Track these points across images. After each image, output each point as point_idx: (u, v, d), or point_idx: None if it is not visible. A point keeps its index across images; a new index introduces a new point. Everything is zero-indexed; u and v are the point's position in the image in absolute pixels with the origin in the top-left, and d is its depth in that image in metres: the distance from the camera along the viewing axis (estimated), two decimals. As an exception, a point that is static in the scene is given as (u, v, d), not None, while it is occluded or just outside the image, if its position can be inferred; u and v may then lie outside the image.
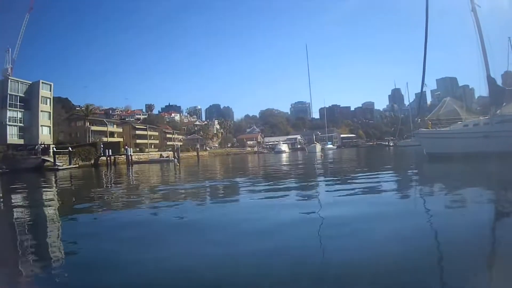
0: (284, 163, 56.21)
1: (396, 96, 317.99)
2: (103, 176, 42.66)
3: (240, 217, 12.65)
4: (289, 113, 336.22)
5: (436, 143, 39.53)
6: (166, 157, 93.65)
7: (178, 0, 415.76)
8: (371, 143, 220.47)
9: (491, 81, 37.45)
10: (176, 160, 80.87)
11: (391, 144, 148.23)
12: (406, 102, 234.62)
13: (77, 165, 69.75)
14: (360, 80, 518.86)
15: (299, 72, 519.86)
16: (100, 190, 25.99)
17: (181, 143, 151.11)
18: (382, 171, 28.46)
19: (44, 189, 30.09)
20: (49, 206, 19.09)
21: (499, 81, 39.79)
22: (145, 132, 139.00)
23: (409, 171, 29.99)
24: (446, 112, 42.92)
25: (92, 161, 75.60)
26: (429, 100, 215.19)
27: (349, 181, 21.51)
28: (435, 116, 43.99)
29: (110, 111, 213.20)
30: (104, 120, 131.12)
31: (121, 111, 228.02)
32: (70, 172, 55.27)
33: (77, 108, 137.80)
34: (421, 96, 47.39)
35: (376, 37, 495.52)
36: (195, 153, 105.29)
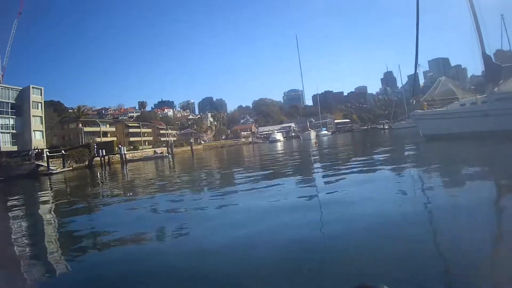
0: (279, 153, 56.70)
1: (388, 79, 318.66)
2: (91, 181, 41.03)
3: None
4: (282, 101, 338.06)
5: (433, 124, 39.22)
6: (160, 153, 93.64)
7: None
8: (366, 127, 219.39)
9: (486, 58, 36.78)
10: (170, 155, 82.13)
11: (386, 127, 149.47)
12: (399, 85, 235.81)
13: (71, 168, 68.88)
14: (352, 65, 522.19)
15: (291, 61, 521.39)
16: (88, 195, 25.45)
17: (175, 138, 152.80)
18: (380, 164, 25.10)
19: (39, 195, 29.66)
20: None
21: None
22: (138, 130, 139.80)
23: (409, 158, 27.87)
24: (442, 92, 42.32)
25: (86, 163, 74.64)
26: (422, 81, 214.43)
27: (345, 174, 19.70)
28: (430, 97, 43.38)
29: (103, 111, 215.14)
30: (97, 120, 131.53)
31: (114, 110, 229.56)
32: (65, 175, 54.63)
33: (69, 111, 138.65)
34: (415, 77, 46.63)
35: (366, 21, 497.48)
36: (189, 148, 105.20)
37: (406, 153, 32.07)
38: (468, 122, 35.00)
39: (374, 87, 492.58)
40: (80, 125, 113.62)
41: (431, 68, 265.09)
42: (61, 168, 65.57)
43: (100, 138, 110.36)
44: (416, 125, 43.63)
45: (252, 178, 22.63)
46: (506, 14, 64.04)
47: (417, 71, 44.24)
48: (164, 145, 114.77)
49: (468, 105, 38.13)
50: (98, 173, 51.32)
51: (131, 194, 23.11)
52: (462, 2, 37.48)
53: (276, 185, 18.05)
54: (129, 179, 37.02)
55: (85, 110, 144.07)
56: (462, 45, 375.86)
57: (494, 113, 33.65)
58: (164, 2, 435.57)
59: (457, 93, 41.53)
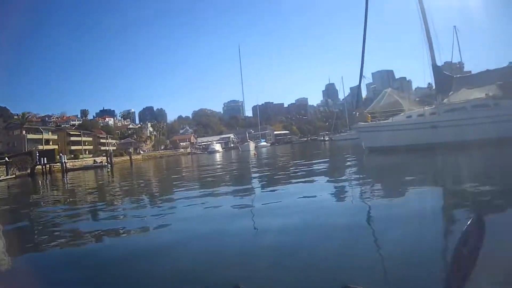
0: (217, 164, 57.38)
1: (330, 91, 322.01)
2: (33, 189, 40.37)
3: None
4: (222, 112, 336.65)
5: (377, 136, 38.79)
6: (99, 162, 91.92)
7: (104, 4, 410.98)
8: (305, 139, 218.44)
9: (437, 69, 37.17)
10: (109, 165, 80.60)
11: (327, 139, 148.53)
12: (341, 97, 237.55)
13: (14, 176, 67.35)
14: (293, 76, 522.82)
15: (232, 72, 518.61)
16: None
17: (115, 148, 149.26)
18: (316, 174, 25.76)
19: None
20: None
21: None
22: (79, 138, 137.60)
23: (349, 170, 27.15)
24: (387, 104, 42.34)
25: (29, 171, 73.00)
26: (364, 93, 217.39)
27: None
28: (374, 109, 43.42)
29: (46, 118, 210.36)
30: (40, 127, 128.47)
31: (57, 117, 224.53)
32: (8, 183, 53.67)
33: (14, 117, 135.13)
34: (359, 88, 46.12)
35: (309, 33, 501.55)
36: (128, 157, 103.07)
37: (346, 166, 30.91)
38: (414, 134, 34.99)
39: (315, 99, 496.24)
40: (24, 132, 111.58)
41: (374, 80, 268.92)
42: (5, 176, 64.36)
43: (42, 146, 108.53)
44: (359, 137, 43.18)
45: (189, 189, 23.53)
46: (460, 26, 65.68)
47: (361, 82, 44.17)
48: (104, 154, 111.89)
49: (414, 117, 38.30)
50: (40, 182, 50.51)
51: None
52: (412, 14, 37.93)
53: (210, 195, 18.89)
54: (68, 188, 36.95)
55: (30, 117, 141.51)
56: (408, 58, 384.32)
57: (443, 125, 33.99)
58: (101, 12, 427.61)
59: (403, 105, 41.63)
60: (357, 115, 43.66)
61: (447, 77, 37.13)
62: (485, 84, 34.50)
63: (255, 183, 24.66)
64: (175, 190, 24.15)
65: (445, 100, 36.46)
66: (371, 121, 41.33)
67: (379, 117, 41.16)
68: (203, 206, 15.15)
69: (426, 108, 38.74)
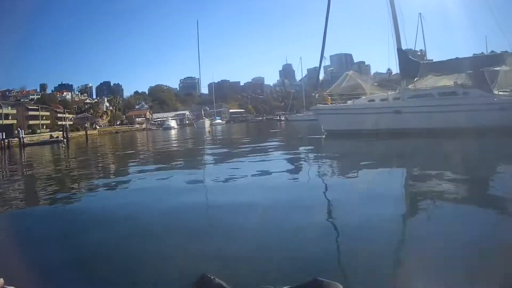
0: (173, 140, 58.85)
1: (287, 71, 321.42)
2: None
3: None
4: (178, 88, 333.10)
5: (337, 120, 38.27)
6: (56, 137, 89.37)
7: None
8: (261, 118, 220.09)
9: (402, 54, 36.89)
10: (64, 140, 79.69)
11: (283, 119, 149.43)
12: (298, 77, 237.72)
13: (-27, 151, 65.65)
14: (251, 55, 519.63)
15: (189, 48, 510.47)
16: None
17: (72, 122, 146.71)
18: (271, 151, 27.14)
19: None
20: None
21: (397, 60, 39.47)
22: (37, 113, 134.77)
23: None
24: (348, 86, 42.02)
25: (-14, 146, 71.08)
26: (322, 76, 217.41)
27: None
28: (335, 91, 43.10)
29: (7, 93, 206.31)
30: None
31: (17, 92, 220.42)
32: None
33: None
34: (319, 69, 45.59)
35: (269, 12, 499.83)
36: (84, 132, 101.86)
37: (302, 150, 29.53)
38: (376, 119, 34.37)
39: (272, 78, 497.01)
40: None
41: (332, 63, 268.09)
42: (-37, 151, 62.53)
43: (1, 121, 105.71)
44: (318, 119, 41.99)
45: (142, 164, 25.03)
46: (424, 13, 65.78)
47: (321, 64, 43.63)
48: (60, 129, 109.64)
49: (377, 101, 37.78)
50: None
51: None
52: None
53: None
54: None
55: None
56: (368, 43, 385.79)
57: (407, 111, 33.68)
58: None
59: (365, 88, 41.37)
60: (317, 96, 43.45)
61: (413, 62, 36.79)
62: (454, 72, 34.19)
63: (208, 160, 25.59)
64: (127, 168, 24.63)
65: (410, 86, 36.42)
66: (331, 103, 41.07)
67: (339, 100, 40.95)
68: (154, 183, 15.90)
69: (389, 92, 38.51)
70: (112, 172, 22.35)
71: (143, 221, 9.94)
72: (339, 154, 24.46)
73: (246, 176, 15.91)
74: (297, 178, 15.73)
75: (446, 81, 34.99)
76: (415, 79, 36.10)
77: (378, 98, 38.15)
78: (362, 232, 7.70)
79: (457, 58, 34.75)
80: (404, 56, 36.90)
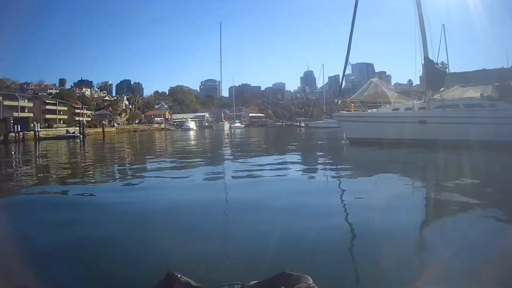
0: (192, 142, 57.43)
1: (308, 78, 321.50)
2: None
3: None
4: (198, 90, 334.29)
5: (361, 127, 37.09)
6: (72, 133, 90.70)
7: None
8: (280, 123, 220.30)
9: (429, 63, 35.90)
10: (81, 136, 79.84)
11: (303, 125, 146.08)
12: (319, 85, 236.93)
13: (-13, 142, 65.87)
14: (272, 60, 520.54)
15: (211, 51, 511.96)
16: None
17: (90, 119, 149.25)
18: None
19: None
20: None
21: (419, 71, 38.35)
22: (54, 107, 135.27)
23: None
24: (373, 94, 41.29)
25: (2, 138, 71.64)
26: (343, 84, 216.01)
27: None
28: (358, 98, 42.20)
29: (25, 86, 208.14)
30: (16, 94, 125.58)
31: (35, 85, 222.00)
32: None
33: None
34: (343, 76, 44.43)
35: (292, 18, 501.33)
36: (101, 129, 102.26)
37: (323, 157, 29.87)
38: (401, 128, 32.97)
39: (293, 85, 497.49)
40: (0, 98, 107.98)
41: (353, 72, 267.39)
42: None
43: (18, 113, 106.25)
44: (341, 126, 41.22)
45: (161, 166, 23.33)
46: (447, 25, 64.71)
47: (345, 71, 42.56)
48: (77, 125, 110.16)
49: (402, 110, 36.56)
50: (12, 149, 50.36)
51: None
52: (403, 9, 36.80)
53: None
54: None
55: (8, 84, 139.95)
56: (390, 53, 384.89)
57: (432, 121, 32.63)
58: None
59: (389, 97, 40.52)
60: (339, 102, 42.42)
61: (440, 71, 35.90)
62: (480, 83, 33.30)
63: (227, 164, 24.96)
64: (147, 168, 23.85)
65: (436, 96, 35.36)
66: (354, 110, 40.08)
67: (363, 107, 39.95)
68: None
69: (415, 101, 36.95)
70: (119, 172, 21.72)
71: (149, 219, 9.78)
72: (363, 162, 23.68)
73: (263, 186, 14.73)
74: (327, 194, 14.51)
75: (472, 93, 33.80)
76: (441, 89, 35.00)
77: (403, 107, 37.00)
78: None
79: (484, 69, 33.84)
80: (431, 65, 35.86)
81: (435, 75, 35.02)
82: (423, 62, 36.16)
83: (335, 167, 21.09)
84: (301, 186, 13.96)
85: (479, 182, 13.87)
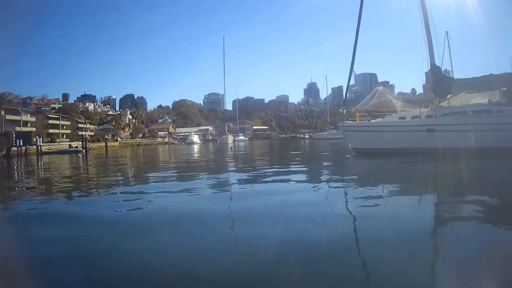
0: (195, 156, 56.30)
1: (312, 89, 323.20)
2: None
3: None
4: (202, 104, 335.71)
5: (367, 137, 35.91)
6: (74, 147, 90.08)
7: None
8: (284, 136, 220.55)
9: (436, 69, 35.20)
10: (84, 151, 79.66)
11: (307, 137, 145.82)
12: (322, 96, 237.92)
13: (-11, 156, 65.81)
14: (275, 73, 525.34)
15: (214, 64, 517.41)
16: None
17: (93, 133, 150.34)
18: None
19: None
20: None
21: (423, 80, 37.67)
22: (57, 122, 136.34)
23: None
24: (378, 102, 40.49)
25: (4, 152, 71.55)
26: (347, 93, 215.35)
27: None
28: (363, 107, 41.43)
29: (28, 100, 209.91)
30: (19, 109, 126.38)
31: (38, 100, 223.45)
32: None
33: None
34: (348, 85, 43.63)
35: (294, 30, 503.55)
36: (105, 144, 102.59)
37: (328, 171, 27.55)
38: (408, 137, 32.42)
39: (296, 97, 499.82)
40: (3, 112, 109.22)
41: (357, 83, 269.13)
42: (-20, 156, 62.63)
43: (20, 128, 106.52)
44: (345, 137, 40.21)
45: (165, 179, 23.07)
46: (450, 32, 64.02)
47: (350, 80, 41.80)
48: (80, 139, 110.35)
49: (408, 119, 35.50)
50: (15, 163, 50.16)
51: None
52: (405, 18, 36.23)
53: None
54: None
55: (10, 98, 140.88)
56: (393, 62, 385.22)
57: (440, 129, 31.68)
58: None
59: (395, 105, 39.78)
60: (344, 112, 41.69)
61: (447, 78, 35.24)
62: (488, 89, 32.64)
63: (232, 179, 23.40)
64: (150, 182, 22.89)
65: (443, 103, 34.63)
66: (360, 120, 39.31)
67: (368, 117, 39.16)
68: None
69: (422, 110, 35.90)
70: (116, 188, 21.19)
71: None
72: (374, 179, 22.79)
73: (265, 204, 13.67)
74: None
75: (479, 99, 33.16)
76: (448, 96, 34.32)
77: (409, 115, 36.02)
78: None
79: (491, 74, 33.17)
80: (438, 72, 35.17)
81: (441, 81, 34.33)
82: (429, 69, 35.57)
83: (341, 184, 20.15)
84: (305, 209, 12.31)
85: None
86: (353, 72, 40.82)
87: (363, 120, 38.68)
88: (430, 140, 31.22)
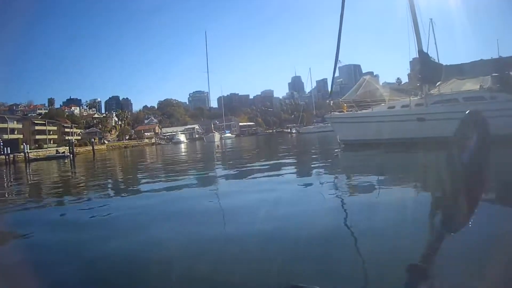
0: (182, 155, 57.58)
1: (296, 83, 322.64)
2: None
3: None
4: (187, 103, 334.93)
5: (355, 129, 35.79)
6: (62, 152, 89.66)
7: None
8: (271, 131, 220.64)
9: (424, 56, 34.73)
10: (71, 155, 78.92)
11: (294, 131, 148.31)
12: (307, 90, 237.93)
13: (-22, 165, 65.38)
14: (259, 68, 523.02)
15: (198, 61, 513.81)
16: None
17: (80, 137, 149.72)
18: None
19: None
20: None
21: (408, 68, 37.29)
22: (44, 127, 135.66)
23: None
24: (366, 92, 40.05)
25: (-9, 161, 70.49)
26: (333, 84, 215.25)
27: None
28: (351, 98, 41.03)
29: (14, 107, 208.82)
30: (5, 116, 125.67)
31: (24, 106, 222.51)
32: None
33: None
34: (333, 75, 43.07)
35: (276, 24, 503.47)
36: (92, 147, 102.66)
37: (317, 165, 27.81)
38: (398, 127, 32.11)
39: (281, 91, 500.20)
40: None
41: (341, 75, 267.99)
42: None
43: (7, 135, 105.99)
44: (334, 129, 40.04)
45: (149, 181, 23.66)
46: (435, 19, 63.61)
47: (335, 72, 41.35)
48: (67, 144, 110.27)
49: (398, 108, 35.25)
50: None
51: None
52: (391, 5, 35.91)
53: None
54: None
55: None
56: (376, 52, 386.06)
57: (430, 118, 31.27)
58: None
59: (384, 94, 39.31)
60: (331, 104, 41.27)
61: (436, 64, 34.68)
62: (479, 74, 32.31)
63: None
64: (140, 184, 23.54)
65: (433, 91, 34.29)
66: (347, 111, 38.89)
67: (356, 107, 38.74)
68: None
69: (412, 98, 35.68)
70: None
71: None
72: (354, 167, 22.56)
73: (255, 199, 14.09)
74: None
75: (470, 85, 32.88)
76: (438, 83, 33.94)
77: (399, 104, 35.59)
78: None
79: (481, 60, 32.81)
80: (426, 58, 34.73)
81: (430, 68, 33.92)
82: (416, 56, 35.28)
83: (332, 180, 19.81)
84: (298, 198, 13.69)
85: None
86: (338, 62, 40.51)
87: (351, 111, 38.34)
88: (421, 130, 30.84)
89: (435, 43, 54.65)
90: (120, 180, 28.77)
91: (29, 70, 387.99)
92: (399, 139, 30.53)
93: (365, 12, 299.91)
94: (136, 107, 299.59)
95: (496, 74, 30.95)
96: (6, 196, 22.91)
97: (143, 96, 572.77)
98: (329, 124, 47.45)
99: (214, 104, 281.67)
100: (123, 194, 18.98)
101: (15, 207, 16.72)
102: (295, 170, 24.32)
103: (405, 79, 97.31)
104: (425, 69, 34.22)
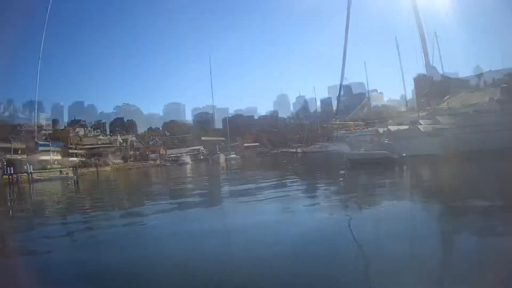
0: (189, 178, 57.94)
1: (301, 103, 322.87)
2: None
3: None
4: (192, 123, 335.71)
5: (364, 147, 35.12)
6: (65, 174, 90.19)
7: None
8: (276, 151, 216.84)
9: (432, 70, 34.40)
10: (75, 177, 76.50)
11: (299, 151, 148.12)
12: (312, 109, 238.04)
13: (-19, 185, 65.29)
14: (264, 89, 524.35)
15: (202, 83, 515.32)
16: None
17: (84, 158, 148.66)
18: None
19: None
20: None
21: (411, 84, 37.05)
22: (48, 148, 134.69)
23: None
24: (372, 110, 40.04)
25: (-5, 181, 70.57)
26: (334, 105, 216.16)
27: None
28: (357, 116, 40.95)
29: (18, 128, 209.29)
30: (9, 137, 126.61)
31: (28, 126, 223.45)
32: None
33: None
34: (339, 94, 43.37)
35: (282, 45, 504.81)
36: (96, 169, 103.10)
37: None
38: (409, 144, 30.82)
39: (285, 111, 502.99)
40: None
41: (344, 93, 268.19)
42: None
43: (11, 155, 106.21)
44: (339, 148, 39.59)
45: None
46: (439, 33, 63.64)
47: (340, 91, 41.27)
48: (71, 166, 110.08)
49: (408, 124, 34.01)
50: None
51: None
52: (393, 22, 35.85)
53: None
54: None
55: (1, 125, 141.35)
56: (380, 70, 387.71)
57: (441, 133, 30.30)
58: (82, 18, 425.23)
59: (391, 111, 39.05)
60: (338, 122, 41.06)
61: (444, 78, 34.51)
62: (489, 86, 31.99)
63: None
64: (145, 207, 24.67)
65: (443, 105, 33.76)
66: (354, 129, 38.51)
67: (363, 126, 38.38)
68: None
69: (420, 113, 34.97)
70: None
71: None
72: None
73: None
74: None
75: (479, 97, 32.24)
76: (446, 96, 33.46)
77: (407, 120, 34.93)
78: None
79: (490, 71, 32.54)
80: (434, 72, 34.36)
81: (438, 82, 33.54)
82: (421, 72, 35.02)
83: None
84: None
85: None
86: (344, 79, 40.38)
87: (358, 129, 38.05)
88: (433, 145, 29.99)
89: (440, 57, 54.64)
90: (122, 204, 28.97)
91: (34, 90, 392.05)
92: (411, 156, 29.66)
93: (368, 30, 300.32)
94: (141, 129, 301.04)
95: (505, 85, 30.33)
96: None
97: (148, 118, 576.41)
98: (334, 143, 47.30)
99: (218, 125, 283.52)
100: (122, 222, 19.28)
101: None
102: (308, 202, 22.29)
103: (409, 96, 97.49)
104: (433, 83, 33.82)
